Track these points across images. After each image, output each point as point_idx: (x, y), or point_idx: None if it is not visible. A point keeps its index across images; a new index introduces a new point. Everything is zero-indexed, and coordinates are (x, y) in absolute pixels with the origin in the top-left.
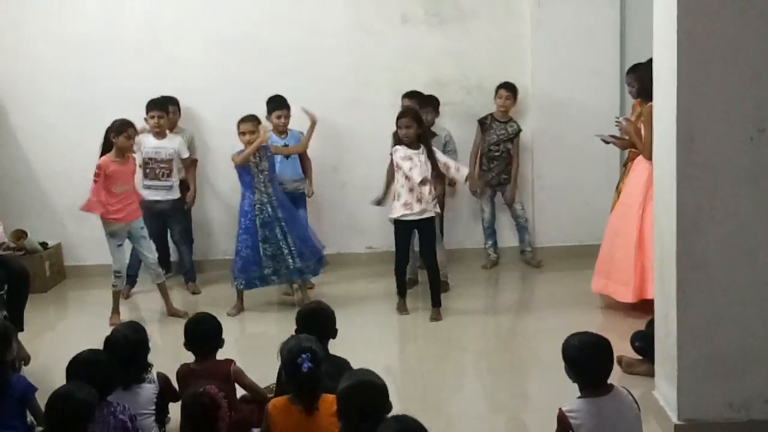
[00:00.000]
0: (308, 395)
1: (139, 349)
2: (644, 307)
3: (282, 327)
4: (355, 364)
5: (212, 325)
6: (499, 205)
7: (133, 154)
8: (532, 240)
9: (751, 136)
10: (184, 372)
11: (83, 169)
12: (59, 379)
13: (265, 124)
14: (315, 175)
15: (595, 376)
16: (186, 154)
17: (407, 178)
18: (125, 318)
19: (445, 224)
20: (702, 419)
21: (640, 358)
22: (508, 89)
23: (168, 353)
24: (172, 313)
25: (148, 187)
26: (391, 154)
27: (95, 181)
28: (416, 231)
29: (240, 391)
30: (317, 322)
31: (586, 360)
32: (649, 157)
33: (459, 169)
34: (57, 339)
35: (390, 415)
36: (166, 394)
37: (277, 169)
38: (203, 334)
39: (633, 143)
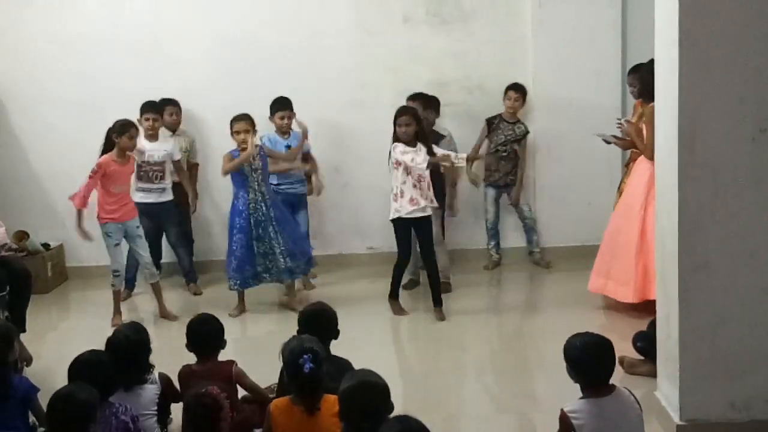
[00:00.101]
0: (310, 396)
1: (140, 350)
2: (646, 307)
3: (283, 328)
4: (357, 365)
5: (214, 326)
6: (503, 206)
7: (134, 156)
8: (542, 242)
9: (753, 136)
10: (185, 373)
11: (84, 170)
12: (61, 380)
13: (268, 125)
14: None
15: (597, 376)
16: (178, 156)
17: (409, 173)
18: (126, 319)
19: (447, 225)
20: (704, 419)
21: (641, 358)
22: (517, 90)
23: (170, 354)
24: (164, 315)
25: (142, 190)
26: (390, 152)
27: (90, 177)
28: (413, 229)
29: (241, 392)
30: (319, 323)
31: (588, 360)
32: (651, 158)
33: (458, 156)
34: (59, 340)
35: (392, 415)
36: (167, 394)
37: (278, 174)
38: (205, 335)
39: (634, 143)
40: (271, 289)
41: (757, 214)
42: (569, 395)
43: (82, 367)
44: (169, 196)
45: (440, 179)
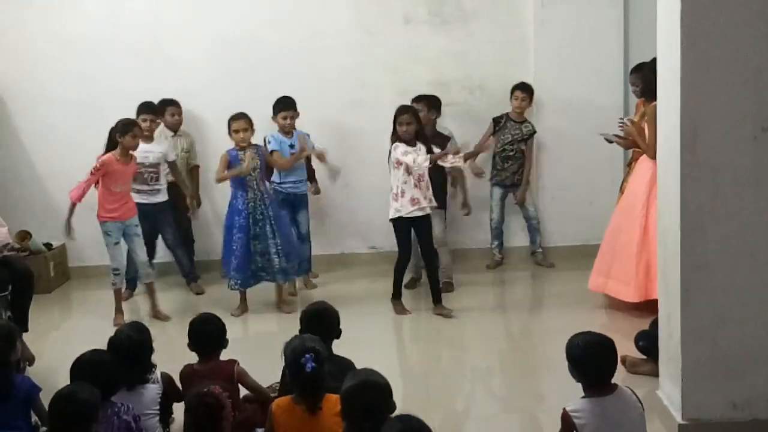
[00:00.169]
0: (312, 395)
1: (142, 350)
2: (648, 306)
3: (285, 327)
4: (359, 364)
5: (216, 325)
6: (508, 205)
7: (136, 156)
8: (543, 242)
9: (755, 135)
10: (187, 372)
11: (85, 170)
12: (63, 380)
13: (269, 125)
14: (317, 176)
15: (599, 376)
16: (173, 157)
17: (410, 173)
18: (128, 319)
19: (449, 224)
20: (706, 419)
21: (644, 357)
22: (524, 90)
23: (171, 354)
24: (156, 315)
25: (136, 191)
26: (390, 152)
27: (92, 174)
28: (413, 228)
29: (243, 391)
30: (321, 323)
31: (590, 360)
32: (653, 157)
33: (457, 156)
34: (61, 339)
35: (393, 414)
36: (170, 394)
37: (280, 171)
38: (207, 334)
39: (636, 143)
40: (273, 289)
41: (758, 213)
42: (571, 394)
43: (85, 366)
44: (163, 197)
45: (441, 179)
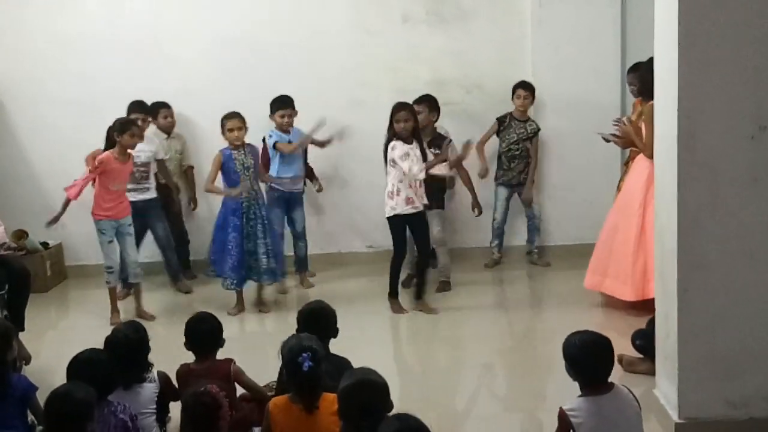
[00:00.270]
0: (309, 394)
1: (139, 349)
2: (645, 305)
3: (282, 326)
4: (356, 363)
5: (212, 324)
6: (510, 206)
7: (133, 155)
8: (541, 241)
9: (752, 134)
10: (184, 372)
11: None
12: (60, 379)
13: (268, 124)
14: (316, 174)
15: (596, 375)
16: (162, 155)
17: (405, 172)
18: (124, 318)
19: (448, 223)
20: (702, 417)
21: (640, 356)
22: (526, 89)
23: (168, 353)
24: (141, 315)
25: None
26: (385, 150)
27: (90, 171)
28: (408, 225)
29: (240, 390)
30: (318, 322)
31: (587, 359)
32: (651, 156)
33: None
34: (58, 339)
35: (391, 413)
36: (166, 393)
37: (277, 168)
38: (204, 333)
39: (634, 142)
40: (270, 288)
41: (756, 212)
42: (568, 393)
43: (81, 365)
44: (152, 194)
45: (441, 181)
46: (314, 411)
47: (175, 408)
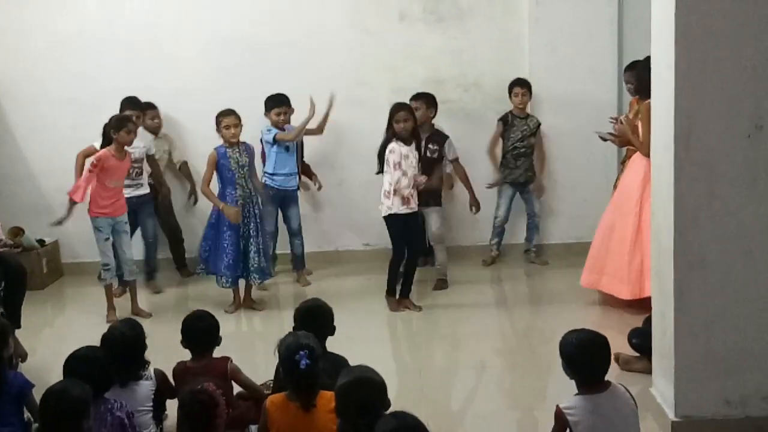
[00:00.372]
0: (306, 392)
1: (136, 346)
2: (642, 303)
3: (279, 324)
4: (353, 361)
5: (209, 322)
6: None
7: (131, 152)
8: (538, 239)
9: (749, 133)
10: (180, 369)
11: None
12: (56, 376)
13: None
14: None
15: (593, 373)
16: (153, 151)
17: (404, 174)
18: (121, 316)
19: (446, 221)
20: (699, 416)
21: (637, 355)
22: (523, 86)
23: (164, 351)
24: (136, 312)
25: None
26: (381, 151)
27: (90, 171)
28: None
29: (237, 388)
30: (315, 319)
31: (584, 357)
32: (647, 154)
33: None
34: (54, 336)
35: (388, 411)
36: (163, 390)
37: (273, 164)
38: (200, 331)
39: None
40: (267, 285)
41: (753, 211)
42: (565, 391)
43: (78, 363)
44: (145, 190)
45: (438, 180)
46: (311, 409)
47: (172, 406)
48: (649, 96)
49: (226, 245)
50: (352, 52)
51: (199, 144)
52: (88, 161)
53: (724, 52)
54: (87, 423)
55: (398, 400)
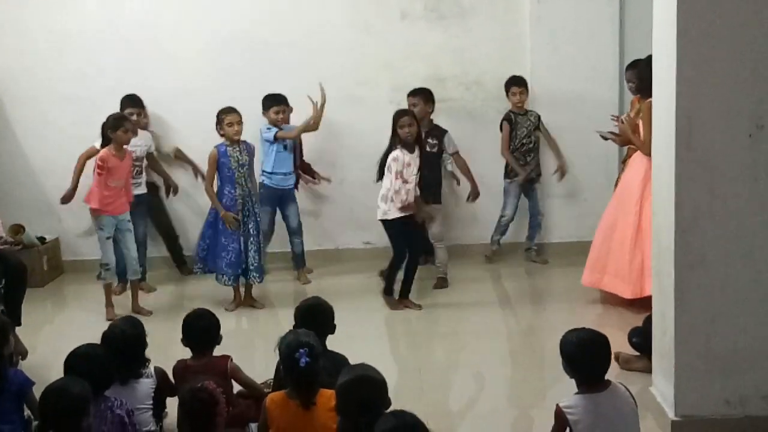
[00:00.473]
0: (306, 390)
1: (136, 344)
2: (642, 302)
3: (280, 322)
4: (353, 360)
5: (210, 321)
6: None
7: (131, 151)
8: (539, 238)
9: (750, 132)
10: (181, 368)
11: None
12: (56, 374)
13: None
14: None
15: (593, 372)
16: (153, 149)
17: (406, 182)
18: (122, 314)
19: (446, 220)
20: (699, 415)
21: (637, 354)
22: (520, 84)
23: (165, 349)
24: (137, 311)
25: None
26: (384, 158)
27: (99, 174)
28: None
29: (237, 387)
30: (315, 318)
31: (584, 357)
32: (648, 153)
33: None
34: (54, 333)
35: (388, 410)
36: (163, 388)
37: (272, 163)
38: (201, 329)
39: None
40: (267, 284)
41: (754, 210)
42: (565, 390)
43: (79, 360)
44: (143, 189)
45: (438, 176)
46: (311, 407)
47: (172, 404)
48: (650, 95)
49: (226, 243)
50: (353, 51)
51: (199, 144)
52: (89, 163)
53: (725, 51)
54: (87, 420)
55: (398, 398)
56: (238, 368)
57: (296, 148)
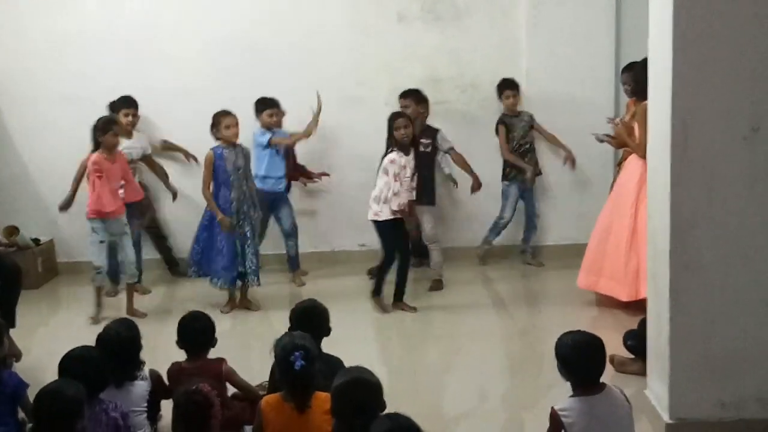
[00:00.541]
0: (301, 393)
1: (131, 347)
2: (638, 305)
3: (275, 325)
4: (348, 362)
5: (205, 323)
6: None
7: (123, 153)
8: (534, 241)
9: (745, 135)
10: (175, 370)
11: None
12: (51, 376)
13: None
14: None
15: (588, 375)
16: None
17: (401, 184)
18: (116, 316)
19: (441, 222)
20: (693, 418)
21: (632, 356)
22: (512, 87)
23: (159, 351)
24: (132, 313)
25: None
26: (386, 160)
27: (99, 177)
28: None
29: (232, 389)
30: (311, 320)
31: (579, 359)
32: (643, 156)
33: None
34: (49, 335)
35: (383, 412)
36: (158, 391)
37: (266, 166)
38: (196, 332)
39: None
40: (262, 286)
41: (750, 213)
42: (560, 393)
43: (73, 362)
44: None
45: (432, 177)
46: (306, 410)
47: (167, 406)
48: (646, 97)
49: (221, 247)
50: (352, 52)
51: (199, 144)
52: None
53: (721, 54)
54: (81, 423)
55: (393, 400)
56: (233, 371)
57: (289, 154)
